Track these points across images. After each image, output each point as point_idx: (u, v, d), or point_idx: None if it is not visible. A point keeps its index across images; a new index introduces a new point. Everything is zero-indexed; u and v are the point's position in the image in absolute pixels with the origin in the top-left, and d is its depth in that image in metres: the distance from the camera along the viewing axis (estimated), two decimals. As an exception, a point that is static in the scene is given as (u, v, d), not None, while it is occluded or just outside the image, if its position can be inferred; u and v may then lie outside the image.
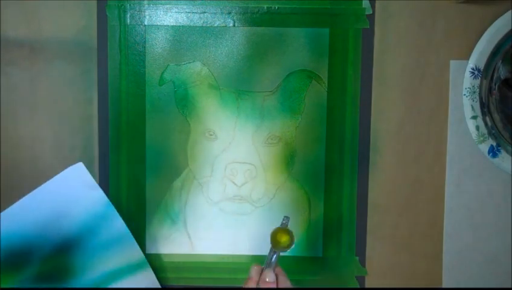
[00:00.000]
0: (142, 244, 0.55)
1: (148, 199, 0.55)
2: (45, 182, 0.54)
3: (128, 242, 0.52)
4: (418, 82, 0.54)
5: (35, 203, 0.50)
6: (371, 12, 0.53)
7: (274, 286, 0.46)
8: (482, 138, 0.53)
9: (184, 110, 0.54)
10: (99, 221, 0.51)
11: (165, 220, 0.55)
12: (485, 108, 0.53)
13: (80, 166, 0.51)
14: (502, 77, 0.53)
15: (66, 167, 0.54)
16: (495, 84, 0.53)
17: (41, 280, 0.50)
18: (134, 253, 0.52)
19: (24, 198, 0.50)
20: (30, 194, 0.50)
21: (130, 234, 0.52)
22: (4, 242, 0.49)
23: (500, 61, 0.53)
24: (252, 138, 0.54)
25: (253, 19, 0.53)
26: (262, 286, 0.46)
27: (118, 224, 0.51)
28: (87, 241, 0.51)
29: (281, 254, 0.55)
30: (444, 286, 0.55)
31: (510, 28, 0.52)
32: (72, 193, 0.51)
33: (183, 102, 0.54)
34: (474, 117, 0.53)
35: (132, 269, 0.52)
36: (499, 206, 0.55)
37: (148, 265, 0.53)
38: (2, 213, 0.49)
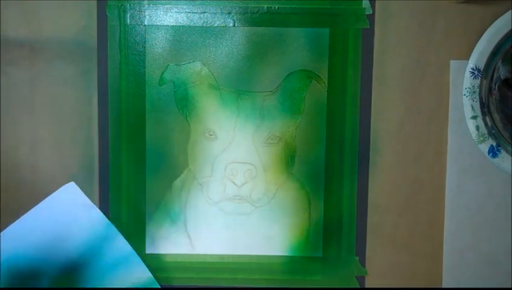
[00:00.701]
0: (142, 244, 0.55)
1: (148, 199, 0.55)
2: (45, 184, 0.54)
3: (134, 262, 0.52)
4: (418, 82, 0.54)
5: (32, 224, 0.50)
6: (371, 12, 0.53)
7: None
8: (482, 138, 0.53)
9: (184, 110, 0.54)
10: (102, 242, 0.51)
11: (165, 220, 0.55)
12: (485, 108, 0.53)
13: (72, 185, 0.51)
14: (502, 77, 0.53)
15: (65, 167, 0.54)
16: (495, 84, 0.53)
17: None
18: (142, 273, 0.52)
19: (19, 220, 0.50)
20: (25, 215, 0.50)
21: (135, 253, 0.52)
22: (8, 263, 0.49)
23: (500, 61, 0.53)
24: (252, 138, 0.54)
25: (253, 19, 0.53)
26: None
27: (121, 244, 0.52)
28: (93, 263, 0.51)
29: (283, 253, 0.55)
30: (444, 286, 0.55)
31: (510, 28, 0.52)
32: (69, 214, 0.51)
33: (183, 102, 0.54)
34: (474, 117, 0.53)
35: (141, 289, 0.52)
36: (499, 206, 0.55)
37: (157, 284, 0.53)
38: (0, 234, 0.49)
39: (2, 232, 0.49)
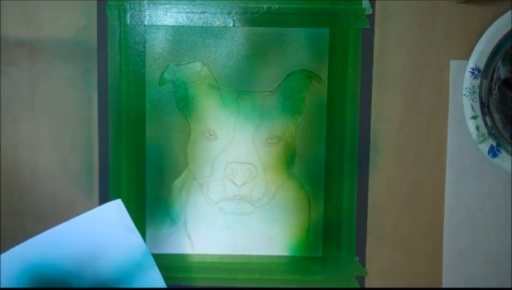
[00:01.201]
0: (142, 244, 0.55)
1: (148, 199, 0.55)
2: (45, 184, 0.54)
3: None
4: (418, 82, 0.54)
5: (69, 235, 0.47)
6: (371, 12, 0.53)
7: None
8: (482, 138, 0.53)
9: (184, 110, 0.54)
10: (136, 270, 0.48)
11: (165, 220, 0.55)
12: (485, 108, 0.53)
13: (119, 203, 0.48)
14: (502, 77, 0.53)
15: (65, 167, 0.54)
16: (495, 84, 0.53)
17: None
18: None
19: (58, 227, 0.47)
20: (64, 224, 0.47)
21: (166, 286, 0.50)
22: (35, 270, 0.46)
23: (500, 61, 0.53)
24: (252, 138, 0.54)
25: (253, 19, 0.53)
26: None
27: (155, 276, 0.49)
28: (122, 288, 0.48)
29: (283, 253, 0.55)
30: (443, 286, 0.55)
31: (510, 28, 0.52)
32: (109, 232, 0.48)
33: (183, 102, 0.54)
34: (474, 117, 0.53)
35: None
36: (499, 206, 0.55)
37: None
38: (35, 237, 0.46)
39: (35, 238, 0.46)
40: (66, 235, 0.47)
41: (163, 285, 0.49)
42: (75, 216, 0.54)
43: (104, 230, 0.48)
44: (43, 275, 0.46)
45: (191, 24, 0.53)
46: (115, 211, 0.48)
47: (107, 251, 0.48)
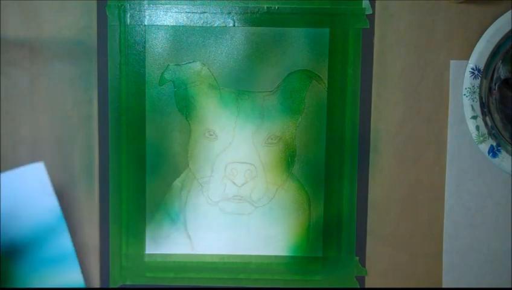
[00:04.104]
0: (142, 245, 0.55)
1: (148, 199, 0.55)
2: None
3: (71, 265, 0.51)
4: (418, 82, 0.54)
5: None
6: (371, 12, 0.53)
7: None
8: (482, 138, 0.53)
9: (184, 110, 0.54)
10: (48, 233, 0.50)
11: (165, 220, 0.55)
12: (485, 108, 0.53)
13: (41, 166, 0.50)
14: (502, 77, 0.53)
15: (66, 167, 0.54)
16: (495, 84, 0.53)
17: None
18: (75, 277, 0.51)
19: None
20: None
21: (75, 256, 0.51)
22: None
23: (500, 61, 0.53)
24: (252, 138, 0.54)
25: (253, 19, 0.53)
26: None
27: (66, 242, 0.51)
28: (32, 253, 0.50)
29: (283, 253, 0.55)
30: (444, 286, 0.55)
31: (510, 28, 0.52)
32: (28, 193, 0.50)
33: (183, 102, 0.54)
34: (474, 117, 0.53)
35: None
36: (499, 206, 0.55)
37: None
38: None
39: None
40: None
41: (72, 252, 0.51)
42: (75, 216, 0.55)
43: (23, 190, 0.50)
44: None
45: (191, 24, 0.53)
46: (36, 173, 0.50)
47: (24, 210, 0.49)
